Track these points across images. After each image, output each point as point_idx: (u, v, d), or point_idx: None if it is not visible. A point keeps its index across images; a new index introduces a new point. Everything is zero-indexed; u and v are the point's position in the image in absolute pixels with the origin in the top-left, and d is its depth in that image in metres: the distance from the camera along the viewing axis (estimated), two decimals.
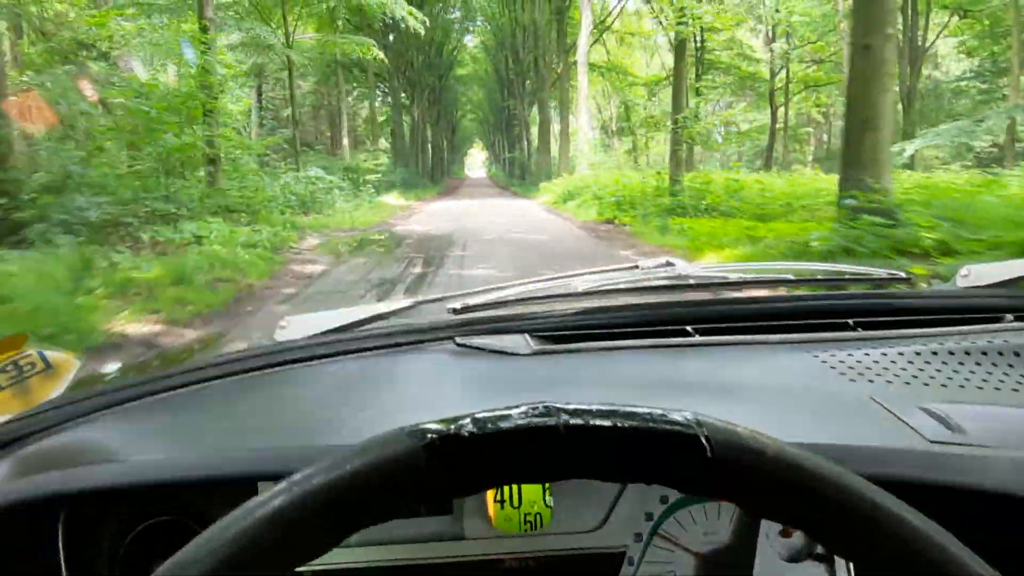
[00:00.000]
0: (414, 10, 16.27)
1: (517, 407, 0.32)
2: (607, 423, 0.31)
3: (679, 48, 11.96)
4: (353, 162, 20.71)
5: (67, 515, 0.59)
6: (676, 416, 0.32)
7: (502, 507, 0.63)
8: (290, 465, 0.49)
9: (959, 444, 0.56)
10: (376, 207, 16.85)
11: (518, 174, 42.36)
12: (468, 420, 0.31)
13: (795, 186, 12.10)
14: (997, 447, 0.55)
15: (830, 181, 14.06)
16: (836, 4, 22.32)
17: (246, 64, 21.62)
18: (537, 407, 0.32)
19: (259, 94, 26.83)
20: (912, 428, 0.58)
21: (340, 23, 19.98)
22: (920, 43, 23.17)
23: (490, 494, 0.64)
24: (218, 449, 0.61)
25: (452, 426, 0.31)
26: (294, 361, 0.78)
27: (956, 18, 23.62)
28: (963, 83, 25.66)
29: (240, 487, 0.57)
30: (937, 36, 24.63)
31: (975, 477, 0.52)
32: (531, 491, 0.63)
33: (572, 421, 0.31)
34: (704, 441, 0.30)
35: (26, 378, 0.72)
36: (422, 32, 16.91)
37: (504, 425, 0.31)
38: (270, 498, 0.30)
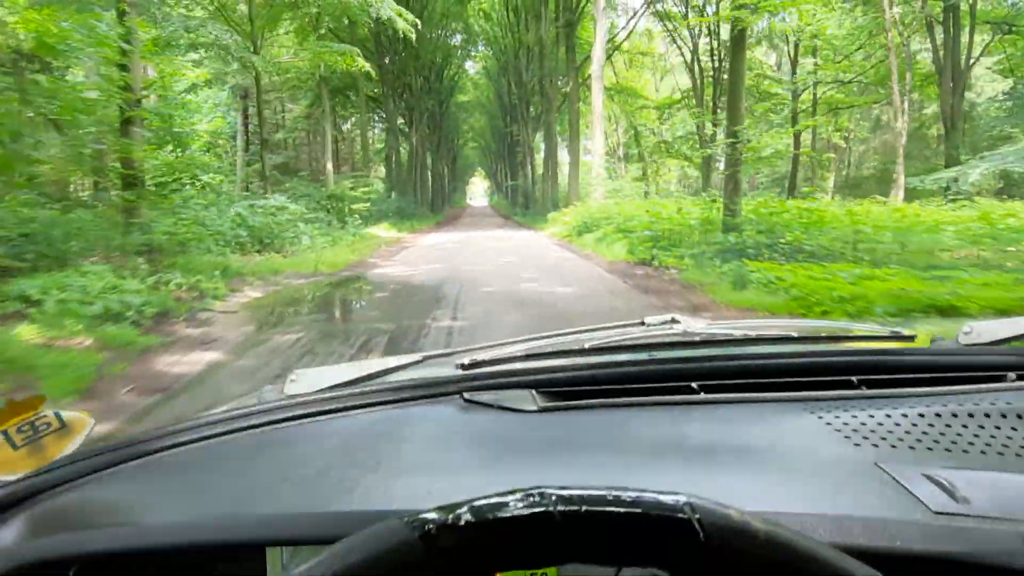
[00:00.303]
0: (403, 10, 13.75)
1: (513, 493, 0.33)
2: (601, 509, 0.32)
3: (737, 40, 9.38)
4: (338, 189, 18.08)
5: (76, 573, 0.61)
6: (669, 500, 0.32)
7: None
8: (298, 532, 0.56)
9: (964, 515, 0.55)
10: (360, 241, 14.19)
11: (521, 203, 40.08)
12: (465, 509, 0.32)
13: (883, 217, 9.31)
14: (1002, 518, 0.55)
15: (922, 211, 11.17)
16: (882, 13, 19.86)
17: (222, 78, 19.25)
18: (532, 494, 0.32)
19: (245, 116, 24.47)
20: (917, 497, 0.58)
21: (325, 33, 17.47)
22: (962, 60, 20.82)
23: None
24: (228, 511, 0.62)
25: (450, 516, 0.31)
26: (304, 416, 0.79)
27: (996, 35, 21.47)
28: (1007, 103, 23.40)
29: (249, 551, 0.57)
30: (981, 53, 22.42)
31: (980, 549, 0.52)
32: None
33: (566, 508, 0.31)
34: (697, 525, 0.31)
35: (41, 437, 0.72)
36: (414, 36, 14.36)
37: (500, 514, 0.31)
38: None
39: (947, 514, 0.55)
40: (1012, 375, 0.83)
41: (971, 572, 0.49)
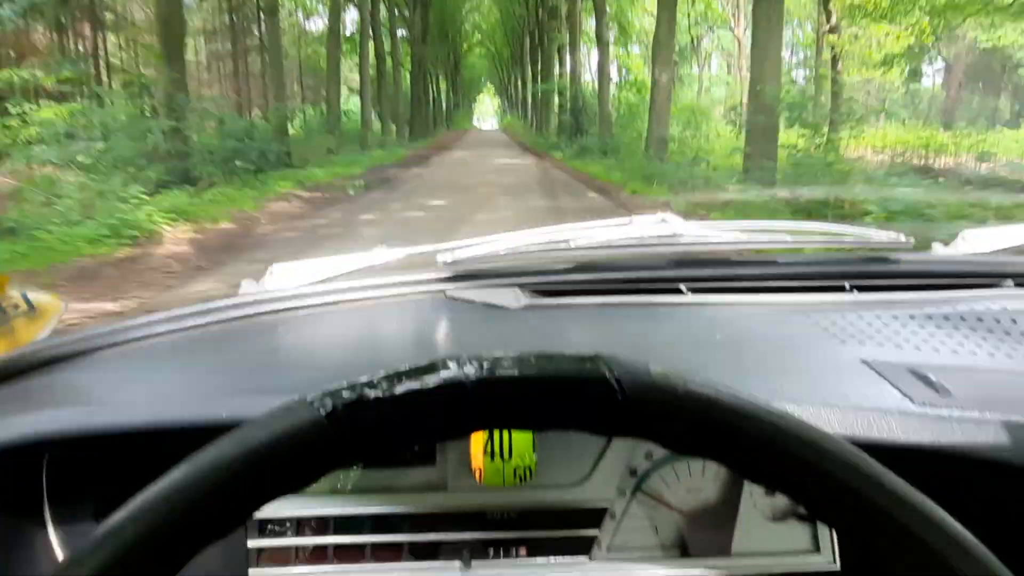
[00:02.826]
0: None
1: (423, 366, 0.31)
2: (514, 373, 0.31)
3: None
4: None
5: (50, 459, 0.61)
6: (585, 360, 0.32)
7: (492, 459, 0.64)
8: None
9: (946, 408, 0.55)
10: None
11: (566, 125, 21.70)
12: (374, 382, 0.31)
13: None
14: (986, 412, 0.54)
15: None
16: None
17: None
18: (445, 361, 0.31)
19: None
20: (900, 391, 0.58)
21: None
22: None
23: (478, 447, 0.64)
24: (200, 394, 0.61)
25: (356, 392, 0.30)
26: (280, 311, 0.77)
27: None
28: None
29: (218, 432, 0.54)
30: None
31: (964, 442, 0.52)
32: (521, 444, 0.64)
33: (478, 376, 0.30)
34: (614, 383, 0.30)
35: (10, 320, 0.69)
36: None
37: (410, 385, 0.30)
38: (173, 478, 0.30)
39: (931, 406, 0.55)
40: (1009, 282, 0.82)
41: (955, 463, 0.48)
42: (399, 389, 0.30)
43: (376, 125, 24.06)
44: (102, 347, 0.69)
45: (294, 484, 0.30)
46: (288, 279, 0.85)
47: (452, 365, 0.31)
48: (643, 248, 0.93)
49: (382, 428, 0.30)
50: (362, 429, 0.30)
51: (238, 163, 9.84)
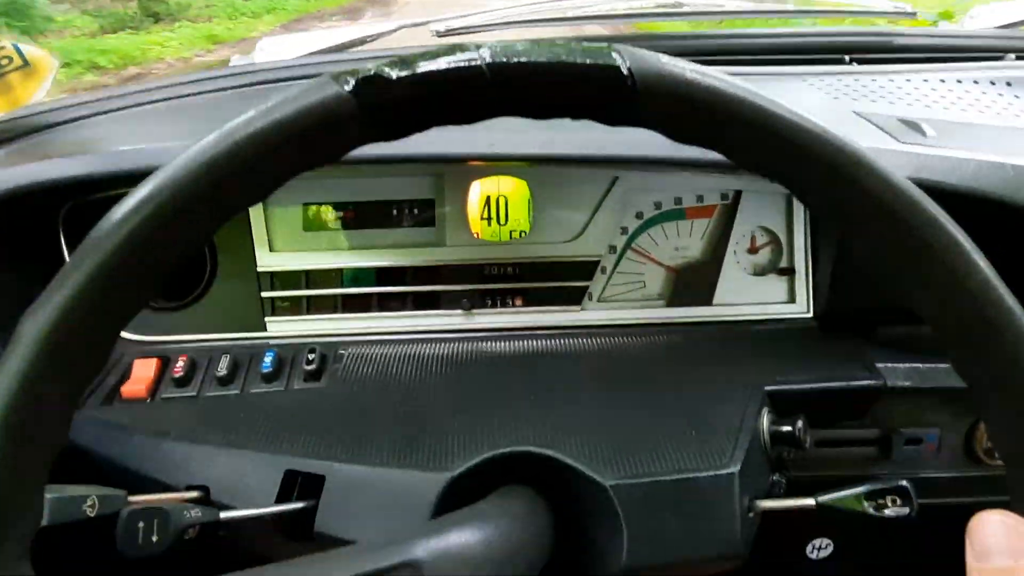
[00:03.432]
0: None
1: (445, 47, 0.32)
2: (529, 59, 0.32)
3: None
4: None
5: (67, 214, 0.64)
6: (598, 50, 0.32)
7: (488, 224, 0.70)
8: None
9: (931, 146, 0.58)
10: None
11: None
12: (396, 61, 0.31)
13: None
14: (969, 152, 0.58)
15: None
16: None
17: None
18: (463, 46, 0.32)
19: None
20: (886, 133, 0.61)
21: None
22: None
23: (475, 213, 0.70)
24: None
25: (379, 70, 0.31)
26: (274, 80, 0.78)
27: None
28: None
29: None
30: None
31: (941, 175, 0.56)
32: (516, 209, 0.69)
33: (496, 60, 0.31)
34: (626, 72, 0.31)
35: (4, 73, 0.68)
36: None
37: (430, 65, 0.31)
38: (203, 145, 0.30)
39: (913, 144, 0.58)
40: (1011, 55, 0.83)
41: (933, 195, 0.49)
42: (419, 68, 0.31)
43: None
44: (105, 110, 0.70)
45: (320, 157, 0.31)
46: (278, 53, 0.85)
47: (471, 48, 0.31)
48: (643, 19, 0.93)
49: (403, 105, 0.31)
50: (384, 105, 0.31)
51: None
